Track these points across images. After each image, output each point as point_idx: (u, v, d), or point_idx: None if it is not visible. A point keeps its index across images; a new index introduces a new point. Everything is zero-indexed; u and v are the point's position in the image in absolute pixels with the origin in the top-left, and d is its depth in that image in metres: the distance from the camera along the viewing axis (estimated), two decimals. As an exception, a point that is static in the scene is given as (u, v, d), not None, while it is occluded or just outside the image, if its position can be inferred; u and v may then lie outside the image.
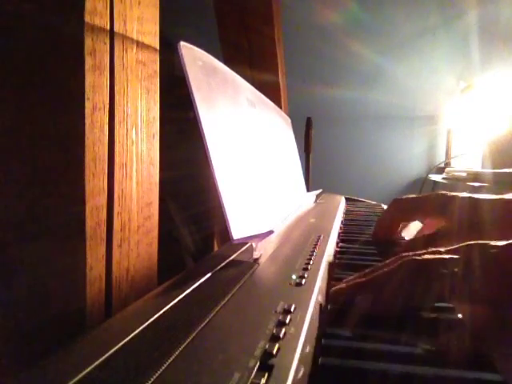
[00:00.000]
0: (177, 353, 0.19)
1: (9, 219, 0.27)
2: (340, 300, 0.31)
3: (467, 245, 0.30)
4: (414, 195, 0.53)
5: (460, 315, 0.29)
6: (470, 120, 1.80)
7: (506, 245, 0.28)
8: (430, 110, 1.91)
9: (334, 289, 0.32)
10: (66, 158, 0.26)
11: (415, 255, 0.31)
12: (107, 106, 0.28)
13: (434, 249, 0.32)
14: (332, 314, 0.30)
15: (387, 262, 0.32)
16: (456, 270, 0.27)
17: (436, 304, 0.30)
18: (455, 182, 1.50)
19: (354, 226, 0.69)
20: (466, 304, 0.29)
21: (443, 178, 1.64)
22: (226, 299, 0.27)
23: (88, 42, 0.26)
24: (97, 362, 0.18)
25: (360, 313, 0.28)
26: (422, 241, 0.45)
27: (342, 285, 0.32)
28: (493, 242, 0.29)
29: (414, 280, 0.29)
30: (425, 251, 0.32)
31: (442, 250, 0.31)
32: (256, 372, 0.18)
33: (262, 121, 0.61)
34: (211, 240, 0.61)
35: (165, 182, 0.36)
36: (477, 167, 1.61)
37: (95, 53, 0.26)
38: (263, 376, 0.18)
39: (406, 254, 0.32)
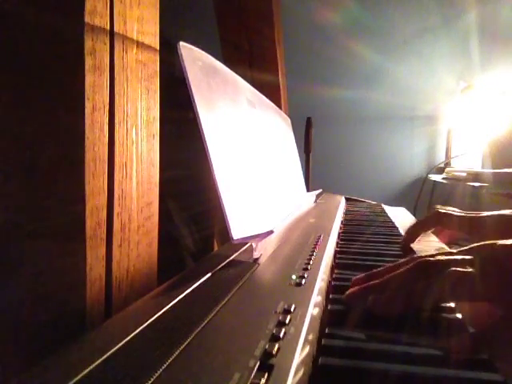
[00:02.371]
0: (177, 353, 0.19)
1: (9, 219, 0.27)
2: (354, 304, 0.30)
3: (479, 245, 0.30)
4: (457, 212, 0.49)
5: (459, 314, 0.29)
6: (470, 120, 1.79)
7: None
8: (430, 110, 1.91)
9: (347, 293, 0.31)
10: (66, 158, 0.26)
11: (428, 256, 0.31)
12: (107, 106, 0.28)
13: (446, 250, 0.33)
14: (332, 314, 0.30)
15: (399, 262, 0.32)
16: (467, 270, 0.28)
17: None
18: (455, 182, 1.50)
19: (354, 225, 0.69)
20: (475, 303, 0.29)
21: (443, 178, 1.64)
22: (226, 299, 0.27)
23: (88, 42, 0.26)
24: (97, 362, 0.18)
25: (373, 314, 0.28)
26: None
27: (354, 288, 0.31)
28: (505, 242, 0.29)
29: (426, 280, 0.29)
30: (437, 253, 0.32)
31: (455, 251, 0.31)
32: (256, 372, 0.18)
33: (261, 121, 0.61)
34: (211, 240, 0.61)
35: (165, 182, 0.36)
36: (477, 167, 1.61)
37: (95, 53, 0.26)
38: (263, 376, 0.18)
39: (419, 255, 0.32)
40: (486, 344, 0.24)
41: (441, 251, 0.32)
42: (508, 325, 0.25)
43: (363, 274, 0.33)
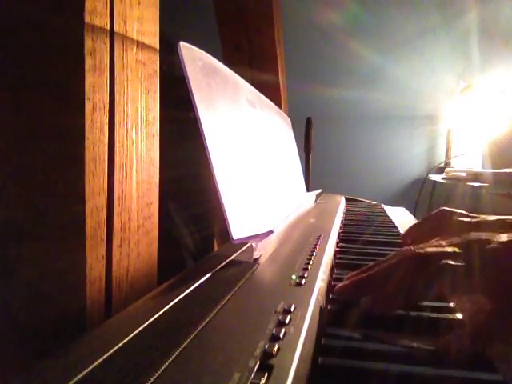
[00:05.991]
0: (177, 353, 0.19)
1: (9, 219, 0.27)
2: (342, 298, 0.31)
3: (469, 240, 0.30)
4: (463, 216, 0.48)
5: (459, 314, 0.29)
6: (470, 120, 1.79)
7: (507, 241, 0.28)
8: (430, 110, 1.91)
9: (337, 287, 0.32)
10: (66, 158, 0.26)
11: (416, 248, 0.30)
12: (107, 106, 0.28)
13: (435, 242, 0.32)
14: (332, 313, 0.30)
15: (389, 256, 0.32)
16: (457, 263, 0.27)
17: (436, 304, 0.30)
18: (455, 182, 1.50)
19: (354, 225, 0.69)
20: (465, 299, 0.29)
21: (443, 178, 1.64)
22: (226, 299, 0.27)
23: (88, 42, 0.26)
24: (97, 362, 0.18)
25: (363, 312, 0.28)
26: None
27: (345, 282, 0.32)
28: (494, 237, 0.29)
29: (415, 274, 0.28)
30: (426, 244, 0.31)
31: (444, 243, 0.31)
32: (256, 372, 0.18)
33: (261, 121, 0.61)
34: (211, 240, 0.61)
35: (165, 182, 0.36)
36: (477, 167, 1.61)
37: (95, 53, 0.26)
38: (263, 376, 0.18)
39: (407, 248, 0.31)
40: (480, 340, 0.24)
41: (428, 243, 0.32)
42: (498, 320, 0.25)
43: (355, 272, 0.33)
